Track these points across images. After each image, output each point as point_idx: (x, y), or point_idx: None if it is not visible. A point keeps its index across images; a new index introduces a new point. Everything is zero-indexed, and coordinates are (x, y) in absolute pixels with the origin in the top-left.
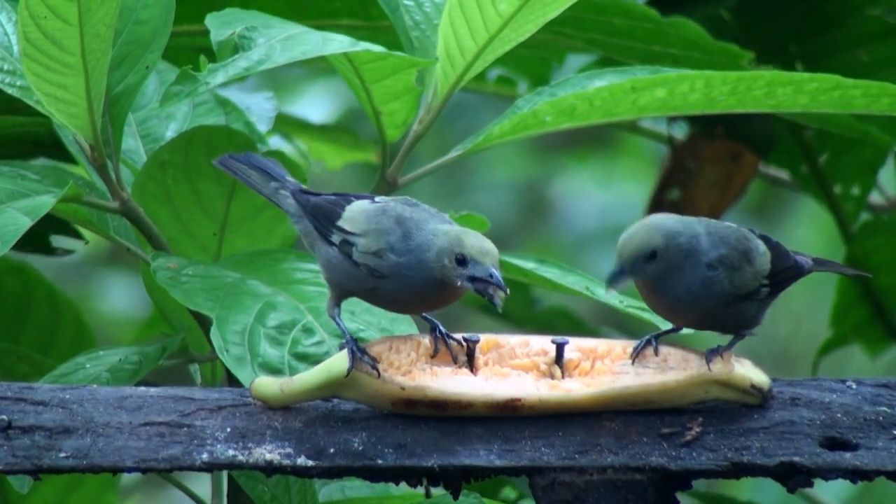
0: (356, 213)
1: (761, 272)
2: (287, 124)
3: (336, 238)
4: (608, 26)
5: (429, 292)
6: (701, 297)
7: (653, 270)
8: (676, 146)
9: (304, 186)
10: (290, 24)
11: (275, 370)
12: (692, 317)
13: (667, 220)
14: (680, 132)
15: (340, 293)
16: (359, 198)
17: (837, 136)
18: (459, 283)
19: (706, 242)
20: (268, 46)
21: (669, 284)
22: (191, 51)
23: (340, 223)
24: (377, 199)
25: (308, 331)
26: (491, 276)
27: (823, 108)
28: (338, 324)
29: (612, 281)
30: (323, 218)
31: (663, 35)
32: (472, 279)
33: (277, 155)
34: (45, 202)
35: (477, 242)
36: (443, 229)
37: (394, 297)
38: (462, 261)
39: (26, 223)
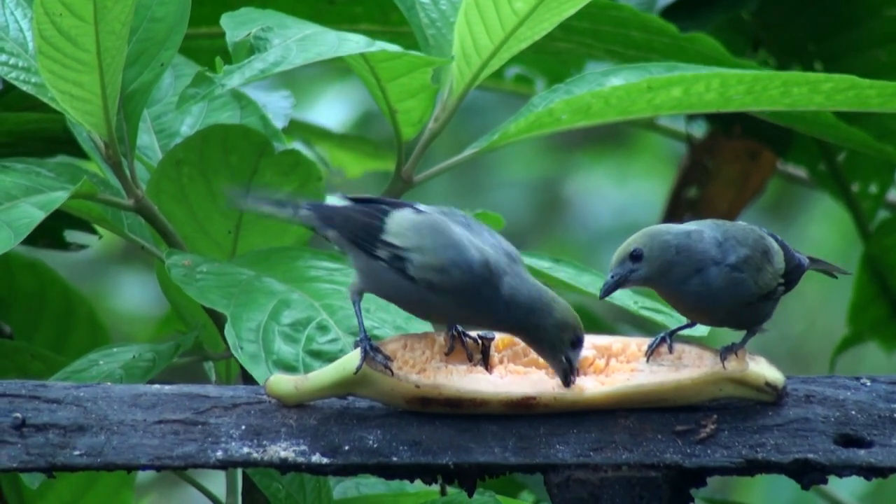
0: (404, 227)
1: (779, 270)
2: (308, 132)
3: (383, 253)
4: (626, 39)
5: (491, 318)
6: (725, 297)
7: (646, 272)
8: (694, 144)
9: (315, 201)
10: (307, 24)
11: (289, 367)
12: (715, 316)
13: (661, 226)
14: (698, 130)
15: (368, 290)
16: (392, 205)
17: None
18: (562, 358)
19: (716, 242)
20: (284, 47)
21: (685, 285)
22: (210, 52)
23: (386, 237)
24: (419, 206)
25: (322, 328)
26: (576, 371)
27: (839, 108)
28: (356, 312)
29: (604, 290)
30: (361, 231)
31: (681, 50)
32: (569, 360)
33: (293, 154)
34: (59, 197)
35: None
36: (550, 294)
37: (446, 311)
38: (576, 343)
39: (39, 216)
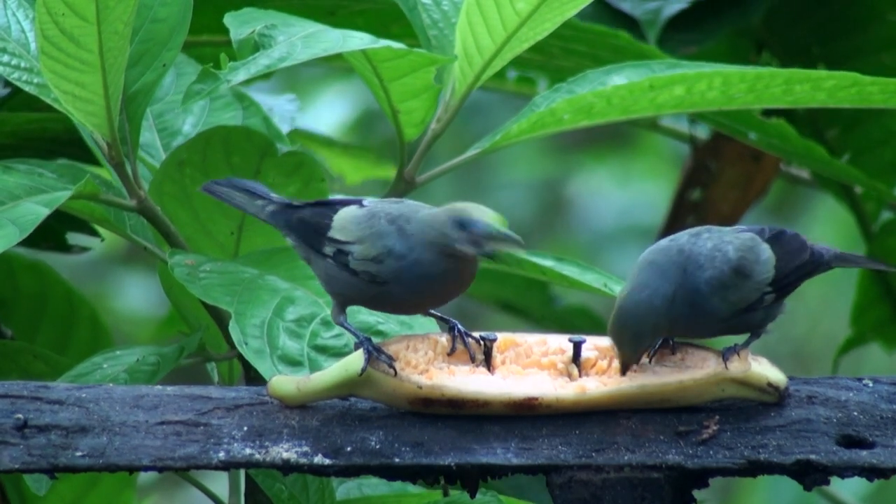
0: (346, 221)
1: (763, 281)
2: (310, 141)
3: (329, 249)
4: None
5: (435, 285)
6: (694, 318)
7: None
8: (698, 146)
9: (290, 200)
10: (310, 23)
11: (294, 363)
12: (699, 334)
13: (637, 307)
14: (702, 132)
15: (343, 302)
16: (345, 204)
17: (859, 135)
18: (461, 246)
19: (679, 272)
20: (289, 44)
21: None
22: (213, 59)
23: (331, 234)
24: (365, 202)
25: (327, 324)
26: (496, 231)
27: (841, 105)
28: (347, 328)
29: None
30: (312, 231)
31: None
32: (475, 240)
33: (296, 155)
34: (63, 195)
35: (472, 205)
36: (436, 209)
37: (398, 301)
38: (462, 224)
39: (44, 213)
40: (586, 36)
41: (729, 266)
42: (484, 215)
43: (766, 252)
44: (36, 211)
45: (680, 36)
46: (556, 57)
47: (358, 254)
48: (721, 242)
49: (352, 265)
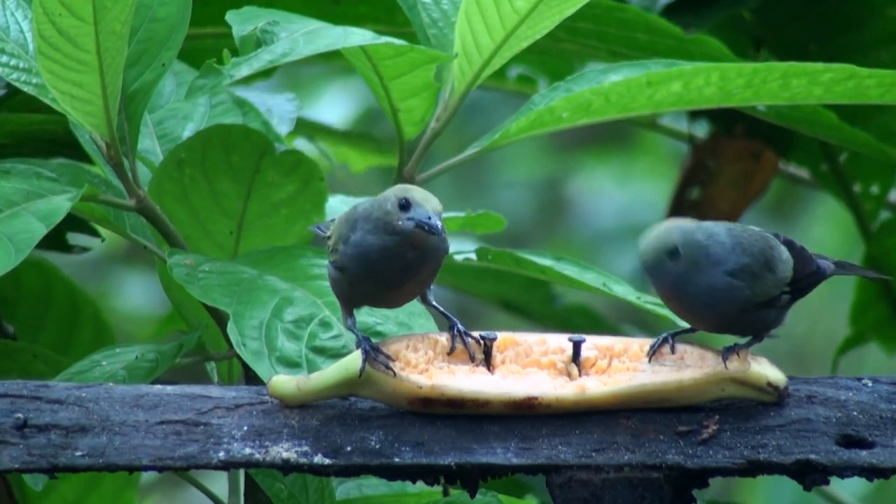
0: (337, 218)
1: (783, 279)
2: (311, 129)
3: (330, 255)
4: (631, 41)
5: (386, 265)
6: (720, 302)
7: (676, 270)
8: (697, 145)
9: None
10: (312, 21)
11: (292, 364)
12: (711, 321)
13: (682, 222)
14: (700, 131)
15: (344, 304)
16: None
17: None
18: (401, 224)
19: (727, 247)
20: (291, 40)
21: (689, 287)
22: (215, 53)
23: (328, 233)
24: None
25: (325, 325)
26: (429, 218)
27: (839, 100)
28: (352, 329)
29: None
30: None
31: (686, 51)
32: (412, 220)
33: (294, 154)
34: (61, 205)
35: (420, 191)
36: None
37: (366, 288)
38: (405, 205)
39: (41, 230)
40: (592, 12)
41: (760, 257)
42: (425, 201)
43: (786, 253)
44: (33, 228)
45: (676, 20)
46: (563, 40)
47: (331, 245)
48: (748, 234)
49: (329, 259)
